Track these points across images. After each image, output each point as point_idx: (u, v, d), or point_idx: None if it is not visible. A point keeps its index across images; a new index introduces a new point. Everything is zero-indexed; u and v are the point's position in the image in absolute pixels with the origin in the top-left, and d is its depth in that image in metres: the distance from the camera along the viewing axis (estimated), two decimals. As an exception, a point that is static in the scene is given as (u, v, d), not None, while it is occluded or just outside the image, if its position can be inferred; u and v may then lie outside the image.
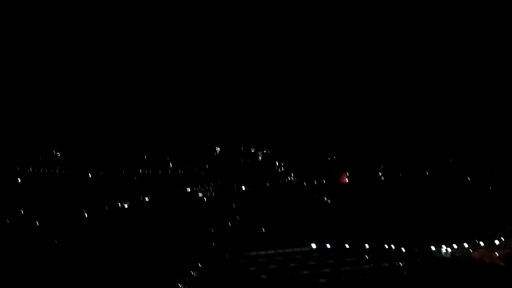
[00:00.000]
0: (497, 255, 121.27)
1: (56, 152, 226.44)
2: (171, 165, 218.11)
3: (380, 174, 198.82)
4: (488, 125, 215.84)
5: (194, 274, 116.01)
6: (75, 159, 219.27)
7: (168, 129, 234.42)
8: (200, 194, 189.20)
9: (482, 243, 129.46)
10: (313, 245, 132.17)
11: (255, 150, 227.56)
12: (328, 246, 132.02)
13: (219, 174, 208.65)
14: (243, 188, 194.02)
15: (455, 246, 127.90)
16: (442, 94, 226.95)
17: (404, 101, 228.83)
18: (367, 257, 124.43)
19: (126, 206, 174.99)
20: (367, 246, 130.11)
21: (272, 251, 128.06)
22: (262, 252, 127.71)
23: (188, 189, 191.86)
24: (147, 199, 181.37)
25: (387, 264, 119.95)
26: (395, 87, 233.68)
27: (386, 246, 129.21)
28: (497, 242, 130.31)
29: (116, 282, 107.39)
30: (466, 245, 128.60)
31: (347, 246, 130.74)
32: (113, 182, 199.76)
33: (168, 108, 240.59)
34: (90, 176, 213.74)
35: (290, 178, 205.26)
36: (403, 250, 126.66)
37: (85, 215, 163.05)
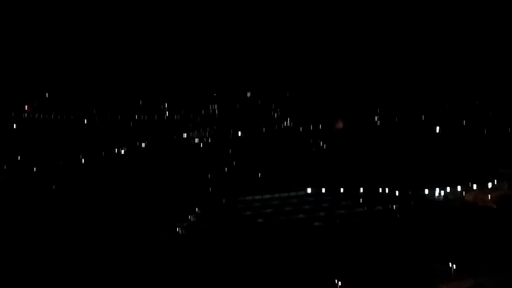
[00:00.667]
0: (489, 197, 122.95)
1: (50, 97, 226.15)
2: (167, 111, 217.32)
3: (376, 118, 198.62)
4: (483, 71, 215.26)
5: (192, 219, 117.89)
6: (70, 104, 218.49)
7: (163, 75, 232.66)
8: (196, 140, 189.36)
9: (475, 186, 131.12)
10: (309, 190, 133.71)
11: (251, 95, 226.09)
12: (323, 190, 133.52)
13: (215, 119, 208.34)
14: (239, 133, 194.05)
15: (448, 189, 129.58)
16: (435, 47, 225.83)
17: (400, 51, 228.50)
18: (361, 201, 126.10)
19: (122, 152, 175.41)
20: (361, 189, 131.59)
21: (268, 196, 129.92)
22: (258, 197, 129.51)
23: (184, 135, 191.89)
24: (143, 145, 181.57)
25: (380, 207, 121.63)
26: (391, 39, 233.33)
27: (380, 190, 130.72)
28: (489, 184, 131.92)
29: (115, 229, 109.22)
30: (459, 187, 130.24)
31: (341, 190, 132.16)
32: (108, 128, 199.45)
33: (164, 54, 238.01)
34: (85, 122, 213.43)
35: (286, 124, 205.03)
36: (397, 193, 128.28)
37: (82, 161, 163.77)
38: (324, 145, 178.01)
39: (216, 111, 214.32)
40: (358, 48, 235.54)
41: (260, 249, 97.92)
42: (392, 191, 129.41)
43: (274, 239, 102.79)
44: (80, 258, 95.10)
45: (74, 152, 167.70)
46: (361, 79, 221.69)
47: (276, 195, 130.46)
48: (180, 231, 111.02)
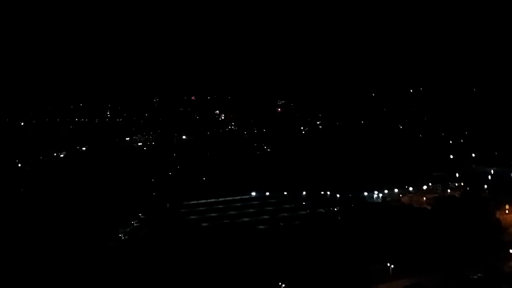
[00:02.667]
0: (424, 199, 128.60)
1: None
2: (109, 113, 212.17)
3: (318, 122, 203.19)
4: (420, 77, 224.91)
5: (135, 224, 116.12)
6: (6, 107, 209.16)
7: (105, 78, 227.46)
8: (140, 143, 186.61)
9: (411, 188, 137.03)
10: (253, 193, 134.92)
11: (195, 98, 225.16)
12: (267, 193, 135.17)
13: (159, 122, 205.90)
14: (184, 137, 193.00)
15: (386, 191, 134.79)
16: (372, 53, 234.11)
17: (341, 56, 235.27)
18: (304, 203, 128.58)
19: (62, 156, 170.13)
20: (304, 192, 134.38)
21: (212, 200, 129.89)
22: (202, 201, 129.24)
23: (127, 138, 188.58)
24: (84, 148, 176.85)
25: (322, 210, 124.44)
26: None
27: (322, 192, 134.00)
28: (424, 187, 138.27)
29: (56, 234, 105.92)
30: (396, 190, 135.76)
31: (285, 193, 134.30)
32: (47, 131, 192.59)
33: (106, 57, 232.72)
34: (22, 124, 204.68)
35: (231, 127, 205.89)
36: (338, 195, 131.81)
37: (18, 165, 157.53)
38: (268, 148, 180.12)
39: (160, 114, 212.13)
40: (298, 52, 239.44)
41: (205, 253, 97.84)
42: (333, 194, 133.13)
43: (219, 243, 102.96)
44: (20, 264, 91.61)
45: (11, 156, 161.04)
46: (301, 83, 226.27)
47: (221, 199, 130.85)
48: (123, 237, 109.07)
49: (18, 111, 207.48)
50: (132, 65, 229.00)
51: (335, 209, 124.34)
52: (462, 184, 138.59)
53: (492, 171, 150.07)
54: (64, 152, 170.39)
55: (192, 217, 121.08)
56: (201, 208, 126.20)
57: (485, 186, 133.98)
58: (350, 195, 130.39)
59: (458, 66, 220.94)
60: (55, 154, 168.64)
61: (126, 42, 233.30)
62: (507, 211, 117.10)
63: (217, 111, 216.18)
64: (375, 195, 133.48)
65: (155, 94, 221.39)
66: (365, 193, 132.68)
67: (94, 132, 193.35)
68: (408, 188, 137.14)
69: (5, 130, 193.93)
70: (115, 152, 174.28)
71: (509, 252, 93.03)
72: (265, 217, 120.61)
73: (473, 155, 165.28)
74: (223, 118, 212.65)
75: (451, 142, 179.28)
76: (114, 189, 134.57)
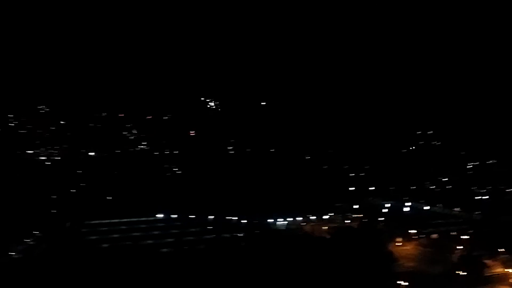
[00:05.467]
0: (326, 228, 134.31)
1: None
2: (10, 124, 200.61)
3: (228, 148, 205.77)
4: (319, 107, 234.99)
5: (30, 242, 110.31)
6: None
7: (10, 83, 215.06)
8: (43, 157, 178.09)
9: (313, 217, 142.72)
10: (158, 215, 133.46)
11: (107, 114, 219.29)
12: (173, 216, 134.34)
13: (65, 137, 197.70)
14: (91, 153, 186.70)
15: (290, 219, 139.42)
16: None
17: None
18: (209, 228, 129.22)
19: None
20: (210, 216, 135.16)
21: (115, 220, 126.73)
22: (105, 221, 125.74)
23: (30, 152, 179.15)
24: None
25: (228, 235, 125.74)
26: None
27: (228, 217, 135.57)
28: (326, 216, 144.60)
29: None
30: (299, 218, 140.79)
31: (191, 216, 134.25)
32: None
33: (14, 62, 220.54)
34: None
35: (141, 146, 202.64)
36: (243, 221, 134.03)
37: None
38: (177, 170, 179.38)
39: (66, 128, 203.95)
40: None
41: (104, 275, 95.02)
42: (239, 220, 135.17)
43: (120, 265, 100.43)
44: None
45: None
46: (211, 111, 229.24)
47: (124, 220, 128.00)
48: (15, 255, 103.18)
49: None
50: (40, 76, 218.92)
51: (240, 235, 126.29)
52: (359, 215, 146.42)
53: (387, 204, 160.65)
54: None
55: (93, 237, 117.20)
56: (103, 228, 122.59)
57: (380, 219, 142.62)
58: (255, 221, 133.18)
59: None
60: None
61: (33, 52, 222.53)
62: (399, 244, 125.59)
63: (130, 129, 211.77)
64: (280, 223, 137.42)
65: (63, 108, 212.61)
66: (270, 220, 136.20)
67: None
68: (310, 217, 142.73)
69: None
70: (16, 165, 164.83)
71: (398, 283, 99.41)
72: (169, 240, 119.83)
73: (371, 188, 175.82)
74: (134, 136, 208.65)
75: (351, 174, 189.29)
76: (8, 204, 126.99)
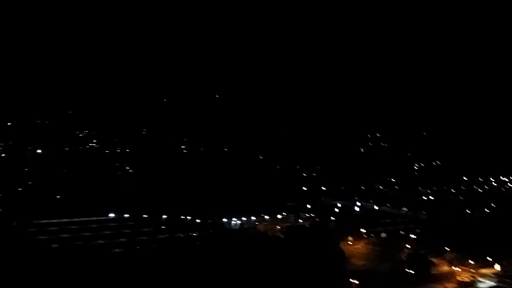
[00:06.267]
0: (279, 227, 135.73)
1: None
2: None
3: (182, 147, 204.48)
4: (272, 108, 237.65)
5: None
6: None
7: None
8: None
9: (267, 217, 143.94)
10: (111, 214, 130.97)
11: (56, 110, 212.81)
12: (126, 215, 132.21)
13: (11, 133, 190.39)
14: (39, 151, 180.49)
15: (244, 218, 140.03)
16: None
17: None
18: (163, 227, 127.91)
19: None
20: (164, 216, 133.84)
21: (65, 219, 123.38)
22: (54, 220, 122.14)
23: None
24: None
25: (182, 234, 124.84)
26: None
27: (182, 217, 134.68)
28: (279, 216, 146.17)
29: None
30: (253, 218, 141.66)
31: (144, 216, 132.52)
32: None
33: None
34: None
35: (91, 144, 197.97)
36: (197, 221, 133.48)
37: None
38: (129, 169, 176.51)
39: (12, 125, 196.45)
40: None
41: (54, 276, 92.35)
42: (192, 219, 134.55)
43: (70, 266, 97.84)
44: None
45: None
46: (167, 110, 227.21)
47: (75, 219, 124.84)
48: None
49: None
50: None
51: (194, 234, 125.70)
52: (312, 215, 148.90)
53: (338, 204, 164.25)
54: None
55: (41, 237, 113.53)
56: (52, 228, 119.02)
57: (332, 218, 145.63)
58: (209, 221, 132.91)
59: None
60: None
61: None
62: (350, 242, 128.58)
63: (80, 126, 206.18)
64: (233, 222, 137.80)
65: (9, 103, 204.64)
66: (224, 220, 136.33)
67: None
68: (264, 216, 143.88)
69: None
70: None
71: (349, 281, 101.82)
72: (122, 240, 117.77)
73: (323, 188, 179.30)
74: (85, 134, 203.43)
75: (304, 175, 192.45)
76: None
